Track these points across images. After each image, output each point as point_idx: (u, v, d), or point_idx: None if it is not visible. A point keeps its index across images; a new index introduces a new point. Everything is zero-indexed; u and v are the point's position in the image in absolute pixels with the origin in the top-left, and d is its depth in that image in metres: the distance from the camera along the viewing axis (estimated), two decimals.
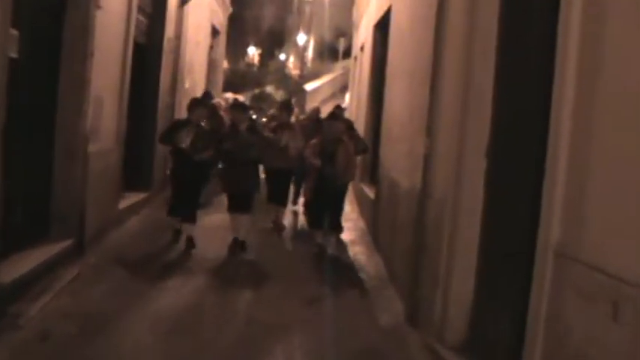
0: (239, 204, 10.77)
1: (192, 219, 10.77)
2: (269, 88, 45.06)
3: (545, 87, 5.08)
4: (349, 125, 12.87)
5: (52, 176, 8.85)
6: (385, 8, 13.12)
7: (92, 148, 9.24)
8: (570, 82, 4.67)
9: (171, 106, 15.09)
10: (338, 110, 14.18)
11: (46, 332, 6.64)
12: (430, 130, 7.56)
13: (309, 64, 60.12)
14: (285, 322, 7.66)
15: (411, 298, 7.94)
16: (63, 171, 8.87)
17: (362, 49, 19.23)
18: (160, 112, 14.05)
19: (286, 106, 13.50)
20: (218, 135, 10.99)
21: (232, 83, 40.20)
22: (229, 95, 19.79)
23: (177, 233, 10.98)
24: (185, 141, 10.20)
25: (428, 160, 7.59)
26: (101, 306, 7.58)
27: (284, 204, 13.14)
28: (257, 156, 10.81)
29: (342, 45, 49.96)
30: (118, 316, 7.27)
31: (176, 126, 10.65)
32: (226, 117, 13.36)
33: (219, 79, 25.30)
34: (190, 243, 10.58)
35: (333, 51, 54.80)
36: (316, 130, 12.07)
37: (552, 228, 4.74)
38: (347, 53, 42.10)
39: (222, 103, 15.84)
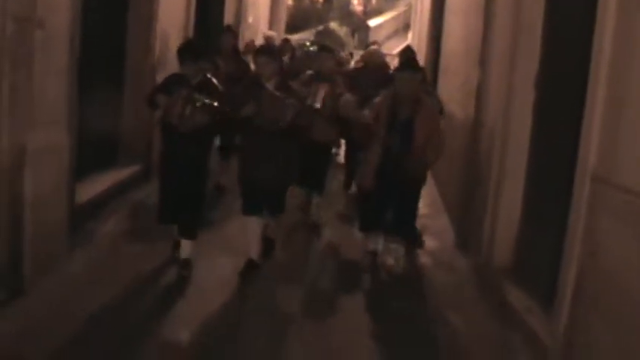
0: (263, 201, 7.22)
1: (190, 231, 7.17)
2: (333, 25, 45.03)
3: (591, 21, 5.29)
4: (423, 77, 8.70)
5: (121, 106, 9.37)
6: None
7: (159, 79, 9.67)
8: (611, 16, 4.89)
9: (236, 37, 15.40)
10: (411, 54, 9.66)
11: (117, 248, 7.21)
12: (483, 62, 7.83)
13: (373, 1, 59.74)
14: None
15: (462, 224, 8.31)
16: (132, 101, 9.35)
17: None
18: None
19: (325, 48, 9.67)
20: (226, 95, 7.16)
21: (296, 19, 40.35)
22: (270, 33, 16.50)
23: (178, 246, 7.27)
24: (173, 109, 6.79)
25: (480, 90, 7.89)
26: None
27: (320, 189, 9.10)
28: (295, 120, 6.88)
29: None
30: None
31: (168, 84, 7.13)
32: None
33: (283, 15, 25.56)
34: (185, 267, 7.07)
35: None
36: (380, 83, 8.37)
37: (590, 154, 5.00)
38: None
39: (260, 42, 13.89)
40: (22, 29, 5.77)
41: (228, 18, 14.91)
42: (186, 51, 7.04)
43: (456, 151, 9.32)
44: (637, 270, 4.26)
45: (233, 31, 11.25)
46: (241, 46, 14.52)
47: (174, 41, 10.40)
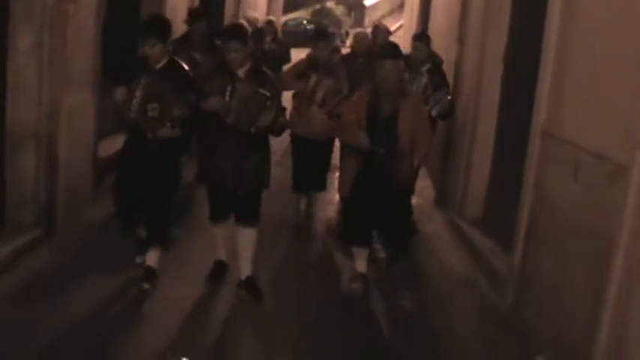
0: (233, 208, 6.29)
1: (158, 238, 6.28)
2: (329, 3, 45.62)
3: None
4: (435, 63, 8.31)
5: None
6: None
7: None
8: (556, 10, 5.87)
9: (236, 17, 16.23)
10: (416, 42, 8.35)
11: None
12: (461, 39, 8.82)
13: None
14: None
15: (440, 184, 9.31)
16: None
17: None
18: (225, 21, 15.19)
19: (323, 36, 8.11)
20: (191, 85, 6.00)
21: None
22: (254, 15, 15.06)
23: (144, 245, 6.34)
24: (131, 104, 5.84)
25: (458, 65, 8.86)
26: None
27: (321, 188, 8.38)
28: (273, 124, 5.99)
29: None
30: None
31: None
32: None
33: None
34: (149, 276, 6.22)
35: None
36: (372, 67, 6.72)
37: (541, 113, 5.98)
38: None
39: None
40: (60, 2, 6.74)
41: None
42: (152, 27, 6.03)
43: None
44: (573, 205, 5.22)
45: (204, 17, 9.29)
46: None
47: (182, 17, 11.29)
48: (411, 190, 7.57)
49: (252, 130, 5.86)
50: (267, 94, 5.87)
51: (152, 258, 6.26)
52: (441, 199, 9.20)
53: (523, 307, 6.07)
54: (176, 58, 6.13)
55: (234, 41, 5.94)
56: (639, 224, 4.31)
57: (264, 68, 6.31)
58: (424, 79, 7.82)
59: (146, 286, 6.14)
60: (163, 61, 5.94)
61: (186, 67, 6.14)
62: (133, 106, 5.77)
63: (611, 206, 4.60)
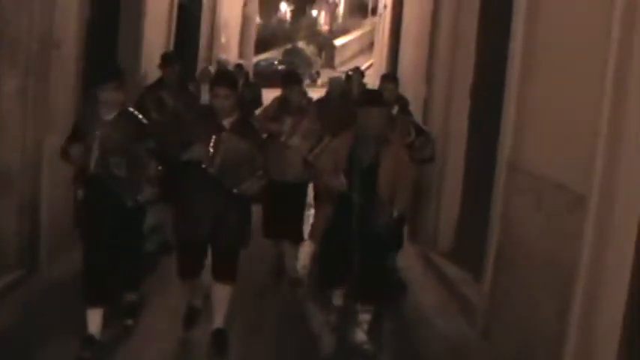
0: (204, 264, 6.06)
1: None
2: (300, 44, 46.20)
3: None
4: (403, 104, 8.26)
5: None
6: None
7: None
8: (518, 46, 6.21)
9: (209, 60, 16.58)
10: (385, 83, 8.15)
11: None
12: (429, 79, 9.17)
13: (340, 20, 61.15)
14: None
15: (412, 219, 9.58)
16: None
17: (385, 7, 20.67)
18: (199, 65, 15.51)
19: (294, 79, 8.08)
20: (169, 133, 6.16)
21: (264, 39, 41.55)
22: (224, 57, 15.68)
23: (89, 343, 5.60)
24: (89, 159, 5.54)
25: (426, 103, 9.21)
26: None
27: (297, 239, 7.70)
28: (258, 186, 5.72)
29: (371, 1, 50.99)
30: None
31: (79, 128, 5.85)
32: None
33: (252, 35, 26.78)
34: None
35: (363, 7, 55.87)
36: (346, 112, 7.24)
37: (506, 146, 6.29)
38: (376, 10, 43.16)
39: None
40: (44, 49, 7.00)
41: (204, 38, 16.05)
42: (113, 72, 5.98)
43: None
44: (537, 234, 5.53)
45: (177, 60, 9.01)
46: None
47: (157, 60, 11.56)
48: (397, 244, 7.59)
49: (235, 191, 5.60)
50: (260, 159, 5.69)
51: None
52: (413, 235, 9.45)
53: (493, 332, 6.34)
54: (129, 109, 5.90)
55: (225, 87, 5.68)
56: (597, 250, 4.61)
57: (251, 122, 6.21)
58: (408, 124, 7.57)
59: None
60: (115, 111, 5.68)
61: (139, 115, 5.93)
62: (92, 162, 5.50)
63: (571, 233, 4.89)
